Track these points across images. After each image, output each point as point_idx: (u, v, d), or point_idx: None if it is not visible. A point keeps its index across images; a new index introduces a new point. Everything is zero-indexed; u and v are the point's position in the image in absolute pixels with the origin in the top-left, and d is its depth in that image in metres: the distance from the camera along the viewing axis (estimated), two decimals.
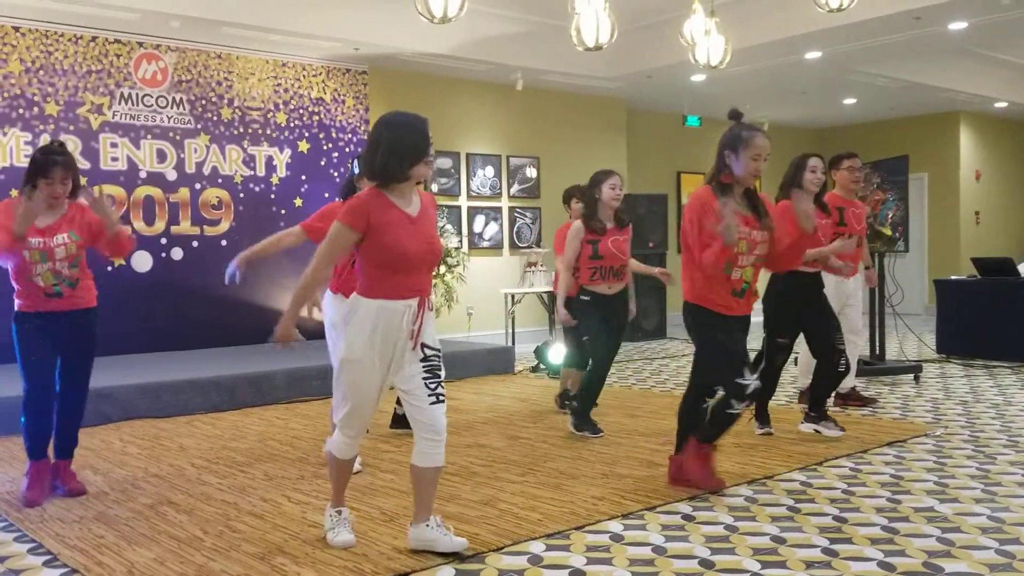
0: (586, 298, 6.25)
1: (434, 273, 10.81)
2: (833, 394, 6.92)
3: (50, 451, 5.06)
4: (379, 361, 3.81)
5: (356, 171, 5.32)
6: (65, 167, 4.78)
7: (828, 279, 6.36)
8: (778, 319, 6.11)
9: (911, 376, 8.60)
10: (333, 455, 4.04)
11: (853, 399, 7.27)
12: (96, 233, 4.97)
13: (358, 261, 3.86)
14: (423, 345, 3.85)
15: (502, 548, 4.01)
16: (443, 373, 3.93)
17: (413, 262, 3.77)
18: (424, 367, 3.85)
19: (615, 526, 4.31)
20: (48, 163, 4.74)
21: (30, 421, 4.92)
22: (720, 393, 4.75)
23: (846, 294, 6.92)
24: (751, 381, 4.61)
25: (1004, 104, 15.42)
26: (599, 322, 6.23)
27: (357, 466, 5.44)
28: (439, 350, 3.93)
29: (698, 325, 4.79)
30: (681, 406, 5.02)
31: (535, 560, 3.87)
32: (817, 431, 6.11)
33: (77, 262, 4.90)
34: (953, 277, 11.19)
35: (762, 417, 6.25)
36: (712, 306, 4.70)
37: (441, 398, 3.88)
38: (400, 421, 6.46)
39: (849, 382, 7.20)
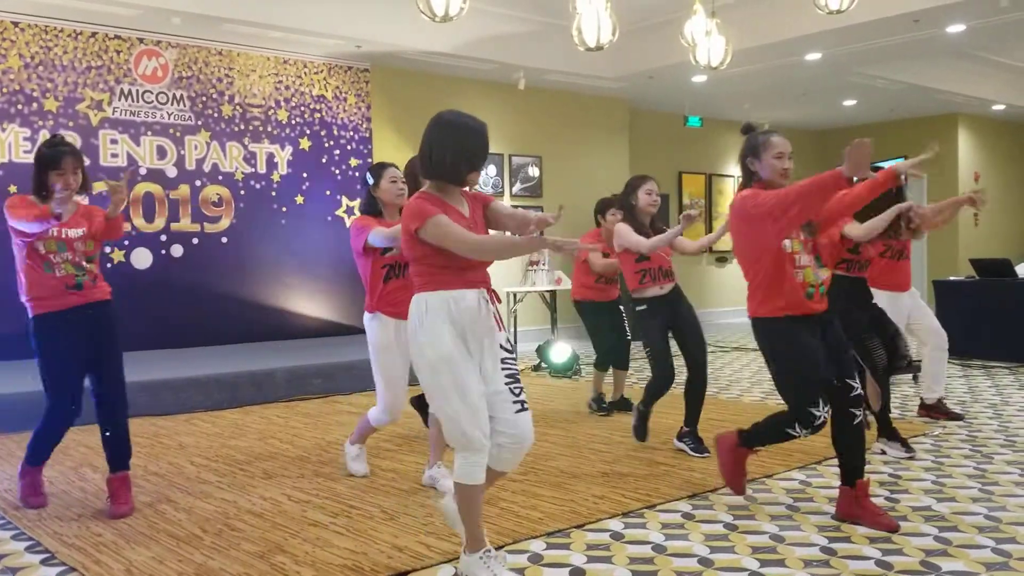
0: (642, 307, 5.85)
1: None
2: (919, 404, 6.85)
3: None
4: (470, 357, 3.51)
5: (372, 181, 5.22)
6: (74, 155, 4.68)
7: (880, 298, 6.06)
8: (849, 324, 5.50)
9: (909, 376, 8.61)
10: (462, 484, 3.50)
11: (938, 411, 6.82)
12: (97, 230, 4.88)
13: (418, 264, 3.60)
14: (499, 345, 3.61)
15: (503, 547, 4.01)
16: (521, 378, 3.68)
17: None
18: (505, 371, 3.58)
19: (615, 525, 4.32)
20: (57, 154, 4.63)
21: (49, 433, 4.75)
22: (792, 413, 4.39)
23: (905, 309, 6.47)
24: (822, 413, 4.29)
25: (1002, 106, 15.45)
26: (662, 333, 5.84)
27: (365, 469, 5.36)
28: (513, 352, 3.69)
29: (771, 339, 4.41)
30: (775, 417, 4.53)
31: (535, 559, 3.89)
32: (884, 451, 5.68)
33: (93, 259, 4.78)
34: (951, 278, 11.20)
35: (891, 433, 5.75)
36: (783, 311, 4.32)
37: (526, 405, 3.59)
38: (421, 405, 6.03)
39: (937, 392, 6.83)
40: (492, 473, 3.62)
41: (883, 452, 5.63)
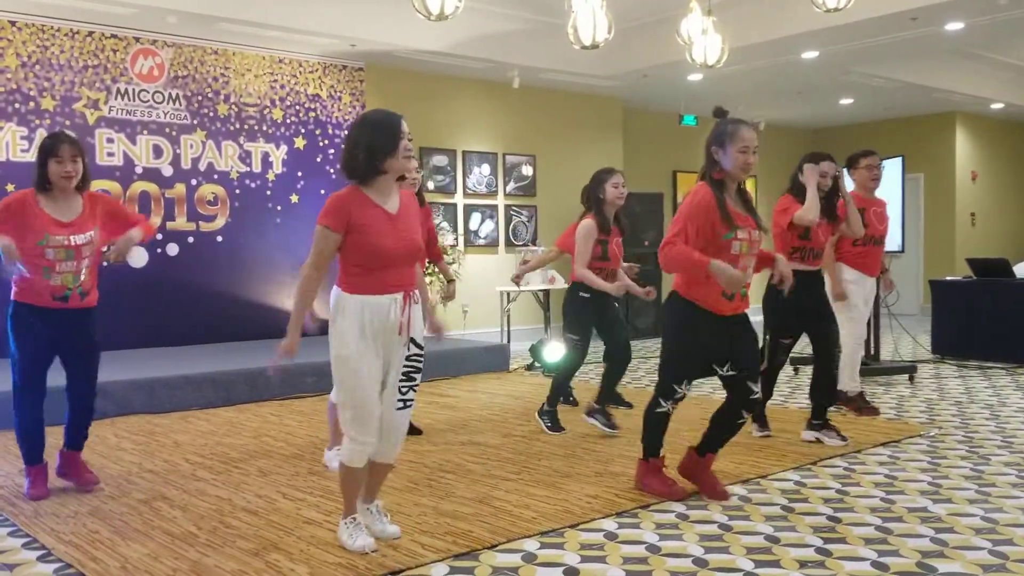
0: (586, 295, 6.16)
1: (429, 271, 10.82)
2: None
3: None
4: (374, 355, 3.79)
5: None
6: (72, 143, 4.71)
7: (852, 274, 6.62)
8: (781, 319, 5.93)
9: (906, 376, 8.62)
10: (343, 464, 3.91)
11: (855, 404, 6.94)
12: (112, 228, 4.93)
13: (339, 259, 3.84)
14: (412, 340, 3.87)
15: (496, 546, 4.02)
16: (419, 377, 3.95)
17: (392, 259, 3.78)
18: (404, 367, 3.88)
19: (609, 524, 4.32)
20: (55, 142, 4.68)
21: (22, 422, 4.85)
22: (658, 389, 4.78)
23: (871, 292, 6.79)
24: (683, 391, 4.68)
25: (1000, 105, 15.43)
26: (590, 324, 6.28)
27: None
28: (423, 350, 3.94)
29: (677, 319, 4.66)
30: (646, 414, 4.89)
31: (529, 558, 3.88)
32: (819, 439, 5.93)
33: (92, 262, 4.85)
34: (948, 278, 11.20)
35: (761, 420, 6.16)
36: (701, 303, 4.55)
37: (408, 403, 3.92)
38: None
39: (857, 386, 6.96)
40: (375, 465, 4.00)
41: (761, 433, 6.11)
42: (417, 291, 3.95)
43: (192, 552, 3.99)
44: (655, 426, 4.80)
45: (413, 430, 6.50)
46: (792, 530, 4.19)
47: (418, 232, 3.95)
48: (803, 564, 3.74)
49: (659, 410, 4.74)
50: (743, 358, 4.61)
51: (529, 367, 9.90)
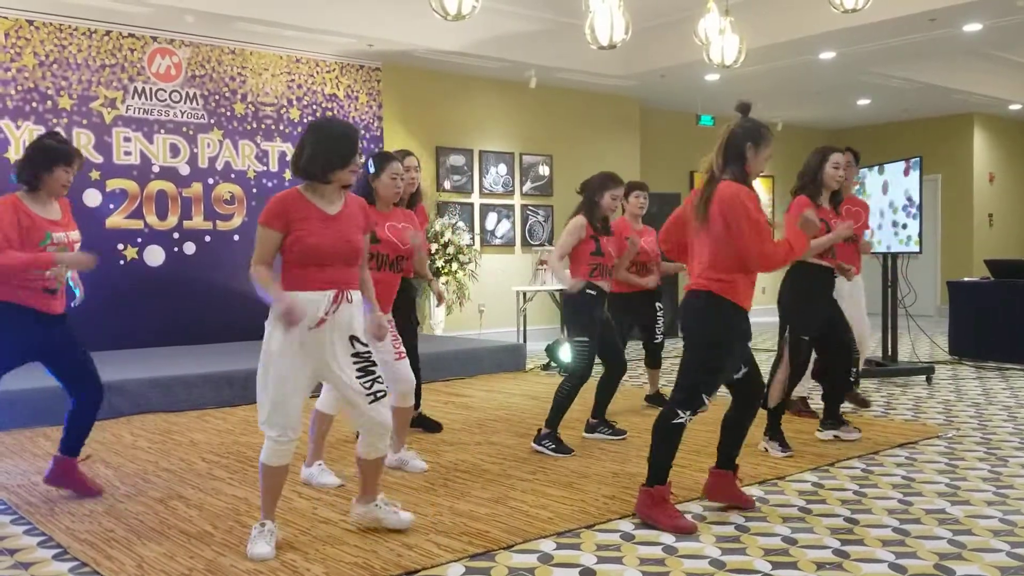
0: (592, 292, 5.89)
1: (447, 271, 10.82)
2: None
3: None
4: (300, 353, 3.87)
5: (372, 170, 5.18)
6: (80, 156, 4.75)
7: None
8: (805, 316, 5.73)
9: (923, 378, 8.58)
10: (262, 463, 3.99)
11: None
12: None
13: (280, 258, 3.97)
14: (352, 337, 3.95)
15: (512, 546, 4.01)
16: (378, 370, 4.03)
17: (325, 257, 3.90)
18: (356, 366, 3.96)
19: (626, 525, 4.30)
20: (70, 151, 4.66)
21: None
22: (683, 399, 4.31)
23: (844, 291, 6.48)
24: (707, 404, 4.33)
25: (1018, 106, 15.35)
26: (594, 326, 5.93)
27: (422, 464, 5.41)
28: (368, 347, 4.03)
29: (720, 322, 4.27)
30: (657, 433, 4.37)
31: (545, 558, 3.87)
32: (837, 436, 5.93)
33: None
34: (966, 279, 11.15)
35: (773, 432, 5.77)
36: (739, 301, 4.28)
37: (379, 396, 4.00)
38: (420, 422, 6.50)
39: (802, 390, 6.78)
40: (362, 461, 4.14)
41: (765, 451, 5.68)
42: (354, 291, 4.01)
43: (208, 551, 4.00)
44: (669, 440, 4.29)
45: (433, 426, 6.54)
46: (810, 531, 4.17)
47: (356, 234, 4.02)
48: (821, 566, 3.72)
49: (676, 421, 4.25)
50: (749, 352, 4.54)
51: (545, 367, 9.89)
